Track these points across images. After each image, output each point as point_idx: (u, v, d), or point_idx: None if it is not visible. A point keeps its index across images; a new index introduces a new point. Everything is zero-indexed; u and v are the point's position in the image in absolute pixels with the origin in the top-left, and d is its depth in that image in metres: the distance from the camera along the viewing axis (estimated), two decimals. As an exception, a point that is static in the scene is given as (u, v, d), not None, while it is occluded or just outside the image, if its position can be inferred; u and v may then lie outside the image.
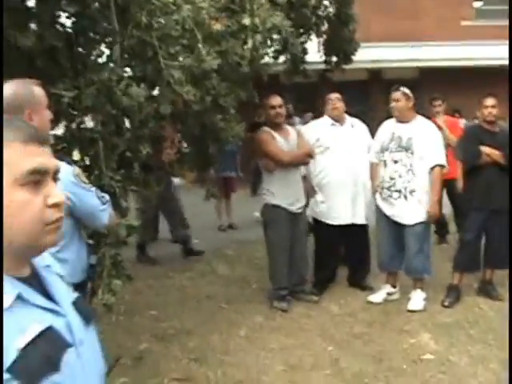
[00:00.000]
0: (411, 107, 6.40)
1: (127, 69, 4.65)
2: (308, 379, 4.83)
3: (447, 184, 8.14)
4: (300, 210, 6.64)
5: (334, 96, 6.94)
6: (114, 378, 4.60)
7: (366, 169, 6.77)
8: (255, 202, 12.05)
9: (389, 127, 6.49)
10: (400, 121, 6.39)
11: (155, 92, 4.75)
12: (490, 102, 6.42)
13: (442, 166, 6.31)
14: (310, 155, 6.61)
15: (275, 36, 7.11)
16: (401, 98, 6.33)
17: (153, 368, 5.04)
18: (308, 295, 6.76)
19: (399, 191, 6.30)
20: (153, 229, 10.12)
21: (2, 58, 3.48)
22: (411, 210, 6.27)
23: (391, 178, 6.32)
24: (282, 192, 6.47)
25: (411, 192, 6.26)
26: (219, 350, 5.43)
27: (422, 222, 6.30)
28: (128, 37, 4.38)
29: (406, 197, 6.28)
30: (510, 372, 3.63)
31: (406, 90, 6.38)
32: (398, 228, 6.42)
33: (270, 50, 7.51)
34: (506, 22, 19.68)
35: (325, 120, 6.97)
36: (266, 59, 7.05)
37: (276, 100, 6.53)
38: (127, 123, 4.54)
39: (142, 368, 5.03)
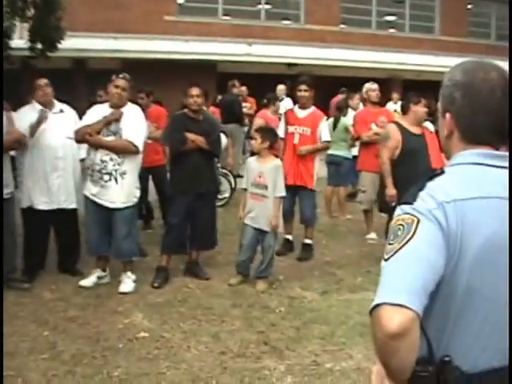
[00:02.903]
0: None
1: None
2: (26, 365, 4.76)
3: (153, 171, 8.39)
4: (8, 196, 6.45)
5: (44, 82, 6.84)
6: None
7: (74, 153, 6.85)
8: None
9: (101, 112, 6.49)
10: (112, 106, 6.48)
11: None
12: (194, 91, 6.79)
13: (135, 147, 6.40)
14: (19, 141, 6.46)
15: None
16: (124, 84, 6.45)
17: None
18: (19, 283, 6.59)
19: (110, 174, 6.33)
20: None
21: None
22: (121, 194, 6.39)
23: (102, 161, 6.33)
24: None
25: (122, 175, 6.34)
26: None
27: (130, 206, 6.47)
28: None
29: (116, 179, 6.34)
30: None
31: (127, 76, 6.54)
32: (106, 211, 6.47)
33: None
34: (207, 19, 20.76)
35: (33, 106, 6.82)
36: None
37: None
38: None
39: None
